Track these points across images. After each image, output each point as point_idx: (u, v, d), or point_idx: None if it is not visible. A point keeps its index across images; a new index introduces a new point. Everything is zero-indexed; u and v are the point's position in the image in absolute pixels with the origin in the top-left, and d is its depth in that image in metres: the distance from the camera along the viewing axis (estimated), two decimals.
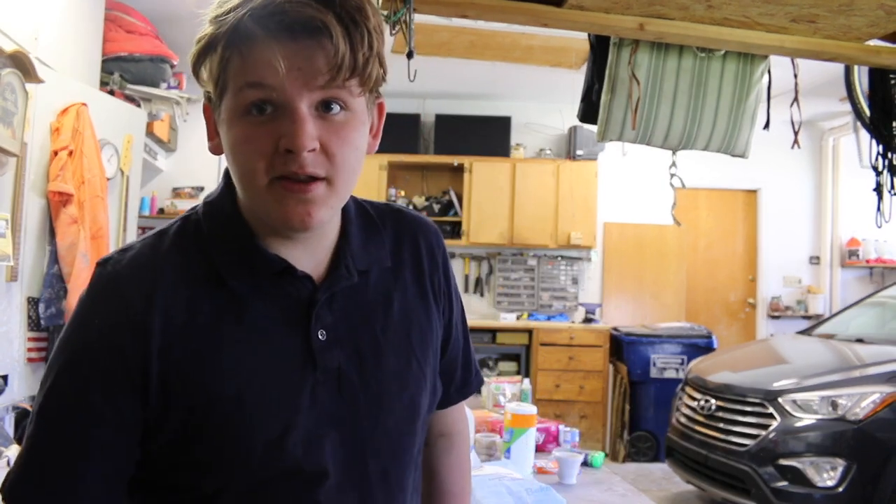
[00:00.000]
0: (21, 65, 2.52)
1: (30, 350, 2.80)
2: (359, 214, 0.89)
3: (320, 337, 0.79)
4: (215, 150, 0.80)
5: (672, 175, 2.91)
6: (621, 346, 5.53)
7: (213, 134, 0.80)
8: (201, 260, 0.79)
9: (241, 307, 0.78)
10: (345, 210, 0.86)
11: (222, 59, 0.73)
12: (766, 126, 2.70)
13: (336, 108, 0.74)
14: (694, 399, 4.11)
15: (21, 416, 2.82)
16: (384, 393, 0.83)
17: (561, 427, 2.55)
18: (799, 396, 3.60)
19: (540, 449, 2.40)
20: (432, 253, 0.92)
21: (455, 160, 6.01)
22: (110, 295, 0.77)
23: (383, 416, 0.82)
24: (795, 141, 2.72)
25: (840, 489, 3.38)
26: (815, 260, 6.57)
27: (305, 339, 0.79)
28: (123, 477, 0.77)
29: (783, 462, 3.51)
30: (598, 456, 2.39)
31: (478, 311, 6.30)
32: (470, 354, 1.01)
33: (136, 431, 0.76)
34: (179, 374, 0.75)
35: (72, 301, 2.80)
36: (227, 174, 0.82)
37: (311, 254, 0.82)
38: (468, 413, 2.10)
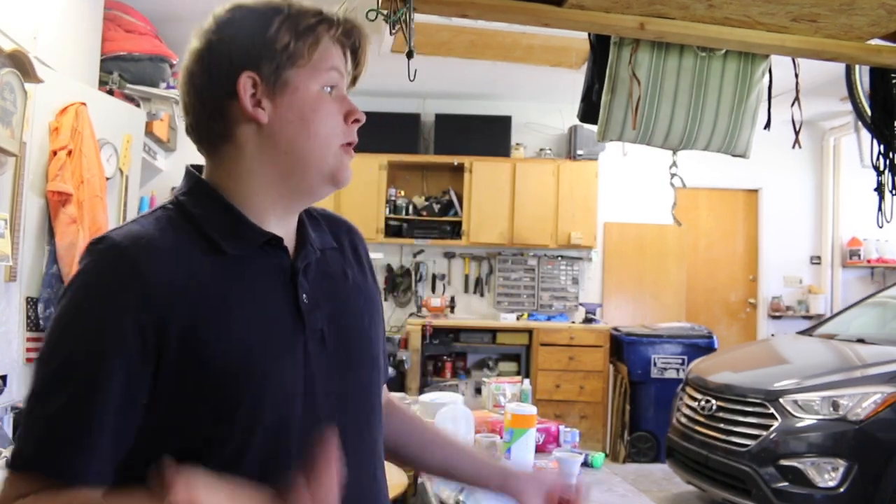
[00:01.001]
0: (20, 64, 2.51)
1: (29, 350, 2.79)
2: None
3: (304, 300, 0.90)
4: (261, 118, 0.89)
5: (672, 175, 2.91)
6: (622, 347, 5.52)
7: (253, 105, 0.89)
8: (194, 235, 0.87)
9: (241, 269, 0.88)
10: None
11: (314, 42, 0.90)
12: (767, 126, 2.69)
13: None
14: (694, 399, 4.11)
15: (20, 416, 2.81)
16: (355, 350, 0.96)
17: (561, 427, 2.55)
18: (800, 397, 3.59)
19: (540, 449, 2.40)
20: (359, 241, 1.08)
21: (455, 160, 6.01)
22: (115, 262, 0.81)
23: (357, 370, 0.96)
24: (796, 141, 2.72)
25: (841, 489, 3.38)
26: (815, 260, 6.57)
27: (294, 301, 0.90)
28: (129, 434, 0.80)
29: (784, 462, 3.50)
30: (598, 456, 2.38)
31: (478, 311, 6.30)
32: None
33: (144, 387, 0.80)
34: (192, 331, 0.81)
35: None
36: (191, 174, 0.96)
37: (284, 232, 0.94)
38: (468, 413, 2.10)
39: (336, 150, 0.92)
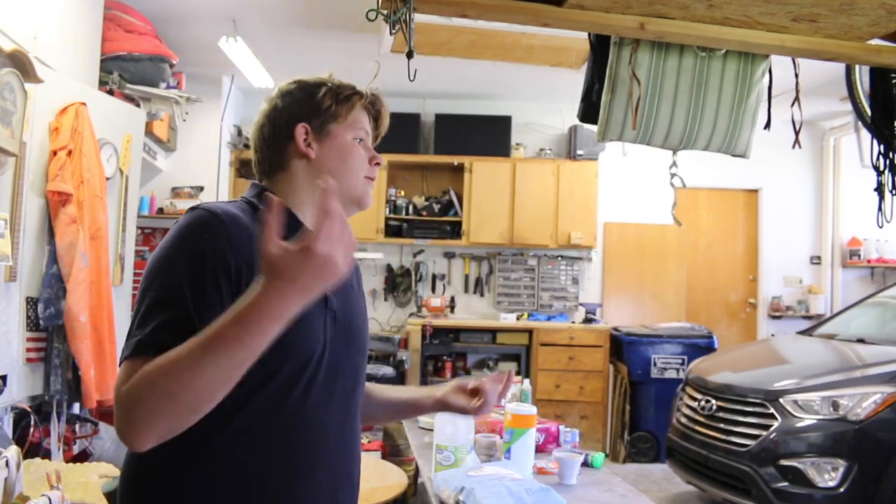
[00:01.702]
0: (20, 64, 2.51)
1: (28, 350, 2.79)
2: None
3: (328, 287, 1.05)
4: (311, 154, 1.25)
5: (672, 175, 2.91)
6: (621, 347, 5.52)
7: (306, 146, 1.25)
8: (254, 224, 1.13)
9: None
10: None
11: (349, 108, 1.28)
12: (767, 126, 2.69)
13: None
14: (694, 399, 4.10)
15: (20, 416, 2.81)
16: (355, 334, 1.26)
17: (561, 427, 2.55)
18: (800, 397, 3.59)
19: (540, 449, 2.40)
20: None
21: (455, 160, 6.01)
22: (212, 219, 1.09)
23: (354, 348, 1.25)
24: (796, 140, 2.71)
25: (841, 489, 3.38)
26: (815, 260, 6.57)
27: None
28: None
29: (784, 462, 3.50)
30: (598, 456, 2.38)
31: (478, 311, 6.30)
32: None
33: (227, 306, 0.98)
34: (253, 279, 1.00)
35: (71, 301, 2.80)
36: (257, 185, 1.28)
37: None
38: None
39: (363, 181, 1.28)
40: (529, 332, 5.82)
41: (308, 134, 1.24)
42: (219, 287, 1.04)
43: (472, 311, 6.30)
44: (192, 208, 1.13)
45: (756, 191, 6.58)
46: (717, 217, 6.63)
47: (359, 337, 1.27)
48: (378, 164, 1.30)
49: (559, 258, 6.26)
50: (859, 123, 3.05)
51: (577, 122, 3.98)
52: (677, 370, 5.35)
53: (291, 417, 1.12)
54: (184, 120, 4.18)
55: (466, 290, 6.32)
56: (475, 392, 1.44)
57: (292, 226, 1.16)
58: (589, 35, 2.59)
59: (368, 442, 4.34)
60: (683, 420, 4.17)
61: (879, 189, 2.81)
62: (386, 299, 6.29)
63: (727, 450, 3.73)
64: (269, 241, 0.90)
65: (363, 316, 1.32)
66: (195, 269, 1.05)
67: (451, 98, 6.19)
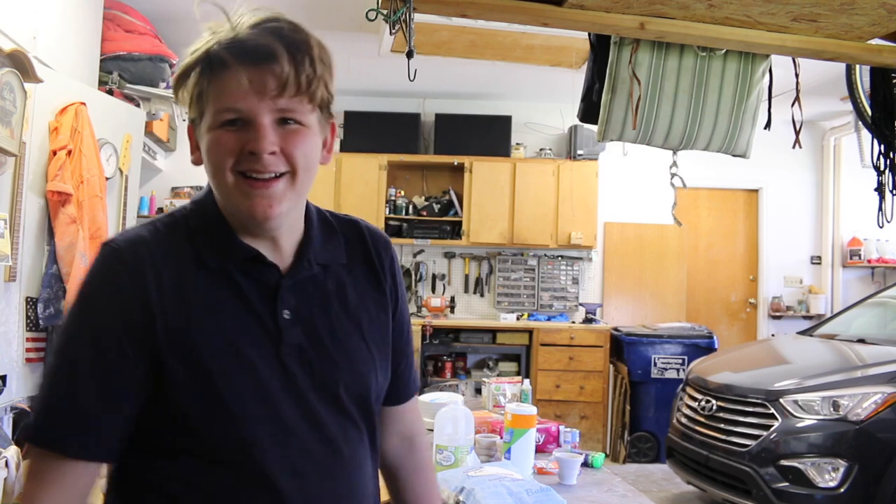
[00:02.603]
0: (20, 64, 2.51)
1: (28, 350, 2.79)
2: (320, 220, 1.05)
3: (285, 316, 0.94)
4: (197, 161, 0.96)
5: (673, 175, 2.90)
6: (622, 347, 5.52)
7: (194, 149, 0.96)
8: (188, 247, 0.94)
9: (221, 283, 0.93)
10: (308, 217, 1.02)
11: (198, 84, 0.91)
12: (767, 126, 2.69)
13: (292, 122, 0.92)
14: (695, 399, 4.10)
15: (20, 416, 2.81)
16: (335, 367, 0.97)
17: (561, 427, 2.55)
18: (800, 397, 3.59)
19: (540, 449, 2.40)
20: (381, 257, 1.08)
21: (455, 160, 6.01)
22: (118, 267, 0.91)
23: (334, 387, 0.96)
24: (797, 140, 2.71)
25: (841, 490, 3.37)
26: (816, 260, 6.56)
27: (273, 316, 0.94)
28: (124, 418, 0.90)
29: (784, 462, 3.50)
30: (598, 456, 2.38)
31: (478, 311, 6.30)
32: (412, 359, 1.17)
33: (139, 375, 0.89)
34: (174, 333, 0.89)
35: (71, 301, 2.80)
36: (209, 186, 0.99)
37: (278, 250, 0.98)
38: (468, 413, 2.10)
39: (230, 184, 0.91)
40: (529, 332, 5.82)
41: (192, 139, 0.98)
42: (121, 359, 0.88)
43: (472, 311, 6.30)
44: (103, 244, 0.95)
45: (756, 191, 6.57)
46: (717, 217, 6.63)
47: (351, 368, 0.99)
48: (252, 152, 0.89)
49: (559, 258, 6.26)
50: (860, 123, 3.05)
51: (577, 122, 3.98)
52: (677, 370, 5.34)
53: None
54: (184, 120, 4.18)
55: (466, 290, 6.32)
56: None
57: (223, 242, 0.95)
58: (589, 35, 2.59)
59: None
60: (683, 420, 4.17)
61: (880, 189, 2.81)
62: None
63: (727, 450, 3.73)
64: None
65: (361, 332, 1.01)
66: (91, 343, 0.89)
67: (451, 98, 6.19)
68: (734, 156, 2.66)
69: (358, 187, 5.80)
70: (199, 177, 5.65)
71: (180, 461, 0.90)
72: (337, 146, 4.68)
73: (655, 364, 5.40)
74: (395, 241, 6.06)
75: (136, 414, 0.90)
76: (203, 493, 0.89)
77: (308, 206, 1.03)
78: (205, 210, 0.98)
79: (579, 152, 6.03)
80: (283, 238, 0.98)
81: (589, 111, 2.66)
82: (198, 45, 0.92)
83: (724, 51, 2.50)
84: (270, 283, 0.95)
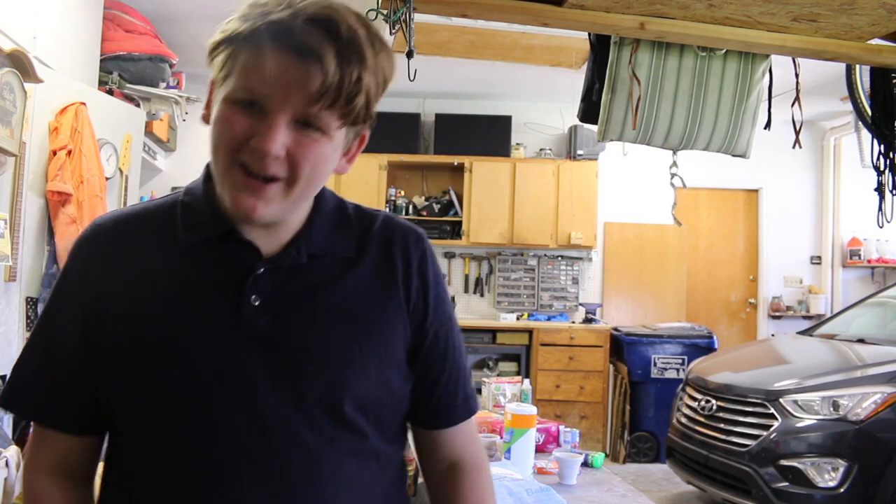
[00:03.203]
0: (20, 64, 2.51)
1: None
2: (334, 210, 0.96)
3: (253, 302, 0.87)
4: (205, 119, 0.89)
5: (673, 175, 2.91)
6: (622, 347, 5.52)
7: (209, 104, 0.88)
8: (168, 223, 0.91)
9: (188, 260, 0.89)
10: (319, 203, 0.94)
11: (233, 54, 0.83)
12: (767, 126, 2.69)
13: (312, 128, 0.82)
14: (694, 399, 4.10)
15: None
16: (306, 364, 0.86)
17: (561, 427, 2.55)
18: (800, 397, 3.59)
19: (540, 449, 2.40)
20: (406, 254, 0.96)
21: (455, 160, 6.01)
22: (79, 251, 0.93)
23: (301, 386, 0.86)
24: (797, 140, 2.72)
25: (841, 490, 3.37)
26: (816, 260, 6.56)
27: (236, 301, 0.86)
28: (79, 386, 0.90)
29: (784, 462, 3.50)
30: (598, 456, 2.38)
31: (478, 311, 6.29)
32: (458, 377, 1.00)
33: (84, 354, 0.89)
34: (118, 317, 0.87)
35: None
36: (207, 165, 0.93)
37: (272, 236, 0.90)
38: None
39: (223, 168, 0.84)
40: (529, 332, 5.81)
41: (210, 95, 0.90)
42: (72, 333, 0.89)
43: (472, 311, 6.30)
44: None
45: (756, 191, 6.57)
46: (717, 217, 6.63)
47: (331, 373, 0.87)
48: (254, 147, 0.81)
49: (559, 258, 6.26)
50: (860, 123, 3.05)
51: (577, 122, 3.98)
52: (677, 370, 5.34)
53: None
54: (183, 120, 4.18)
55: (466, 290, 6.32)
56: None
57: (203, 219, 0.90)
58: (589, 35, 2.59)
59: None
60: (683, 420, 4.17)
61: (880, 189, 2.81)
62: None
63: (727, 450, 3.73)
64: None
65: (352, 331, 0.90)
66: (48, 316, 0.93)
67: (451, 98, 6.19)
68: (734, 156, 2.66)
69: (358, 187, 5.80)
70: None
71: (130, 441, 0.89)
72: None
73: (655, 364, 5.40)
74: None
75: (91, 391, 0.90)
76: (147, 474, 0.87)
77: (323, 193, 0.94)
78: (196, 189, 0.93)
79: (579, 152, 6.03)
80: (280, 226, 0.90)
81: (589, 111, 2.66)
82: (253, 11, 0.82)
83: (724, 51, 2.50)
84: (244, 265, 0.88)
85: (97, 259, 0.90)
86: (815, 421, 3.51)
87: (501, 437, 2.31)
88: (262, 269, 0.88)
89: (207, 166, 0.93)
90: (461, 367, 1.01)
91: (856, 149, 5.42)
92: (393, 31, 2.03)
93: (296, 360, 0.86)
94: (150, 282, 0.88)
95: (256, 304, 0.86)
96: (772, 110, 2.66)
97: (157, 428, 0.86)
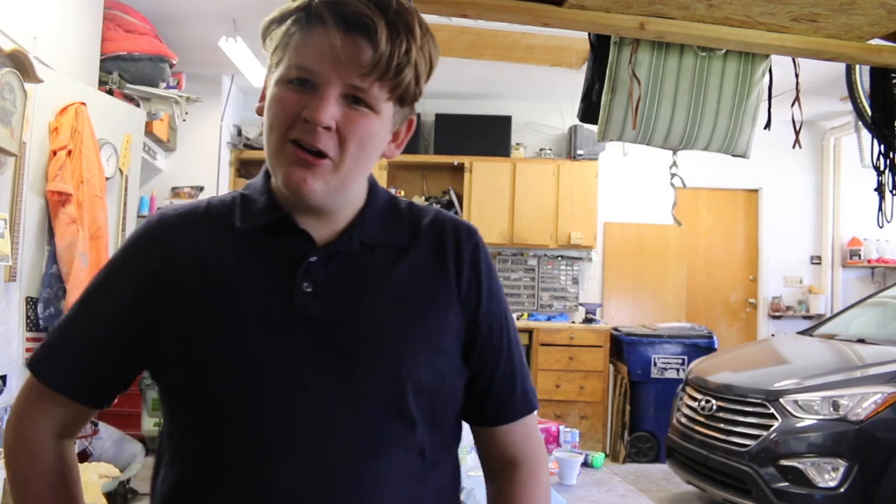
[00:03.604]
0: (20, 64, 2.51)
1: (28, 350, 2.79)
2: (386, 204, 0.98)
3: (305, 288, 0.88)
4: (259, 111, 0.91)
5: (673, 175, 2.90)
6: (622, 347, 5.52)
7: (263, 96, 0.90)
8: (227, 214, 0.94)
9: (242, 244, 0.91)
10: (371, 196, 0.96)
11: (287, 33, 0.86)
12: (767, 126, 2.69)
13: (361, 104, 0.85)
14: (694, 399, 4.10)
15: None
16: (356, 351, 0.87)
17: (561, 427, 2.55)
18: (800, 397, 3.59)
19: None
20: (458, 247, 0.96)
21: (455, 160, 6.01)
22: (141, 236, 0.95)
23: (351, 374, 0.86)
24: (796, 140, 2.71)
25: (841, 490, 3.37)
26: (816, 260, 6.56)
27: (288, 287, 0.88)
28: (107, 365, 0.94)
29: (784, 462, 3.50)
30: (598, 456, 2.39)
31: None
32: (514, 372, 0.99)
33: (132, 334, 0.91)
34: (176, 301, 0.89)
35: (70, 301, 2.80)
36: (266, 170, 0.95)
37: (326, 224, 0.92)
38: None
39: (276, 146, 0.86)
40: (529, 332, 5.81)
41: (266, 85, 0.93)
42: (125, 311, 0.92)
43: None
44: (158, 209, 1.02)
45: (756, 191, 6.57)
46: (717, 217, 6.63)
47: (376, 358, 0.88)
48: (307, 119, 0.83)
49: (559, 258, 6.26)
50: (859, 123, 3.05)
51: (577, 122, 3.98)
52: (677, 370, 5.34)
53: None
54: (184, 120, 4.18)
55: None
56: None
57: (258, 208, 0.93)
58: (589, 35, 2.59)
59: None
60: (683, 420, 4.17)
61: (879, 189, 2.81)
62: None
63: (727, 450, 3.73)
64: None
65: (399, 320, 0.90)
66: (100, 288, 0.95)
67: (451, 98, 6.19)
68: (734, 156, 2.66)
69: None
70: (200, 177, 5.65)
71: (181, 416, 0.91)
72: None
73: (655, 364, 5.40)
74: None
75: (129, 369, 0.94)
76: (194, 448, 0.89)
77: (376, 188, 0.97)
78: (256, 183, 0.96)
79: (579, 152, 6.03)
80: (335, 215, 0.92)
81: (589, 111, 2.66)
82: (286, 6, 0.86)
83: (723, 51, 2.50)
84: (297, 252, 0.90)
85: (157, 243, 0.93)
86: (815, 421, 3.52)
87: None
88: (314, 257, 0.89)
89: (266, 170, 0.96)
90: (518, 361, 1.00)
91: (856, 149, 5.42)
92: None
93: (344, 343, 0.87)
94: (206, 267, 0.90)
95: (308, 290, 0.88)
96: (772, 110, 2.66)
97: (207, 405, 0.88)
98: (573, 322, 6.03)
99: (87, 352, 0.93)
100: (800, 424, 3.53)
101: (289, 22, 0.86)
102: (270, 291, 0.88)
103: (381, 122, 0.88)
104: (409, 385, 0.88)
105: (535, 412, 1.03)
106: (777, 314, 6.44)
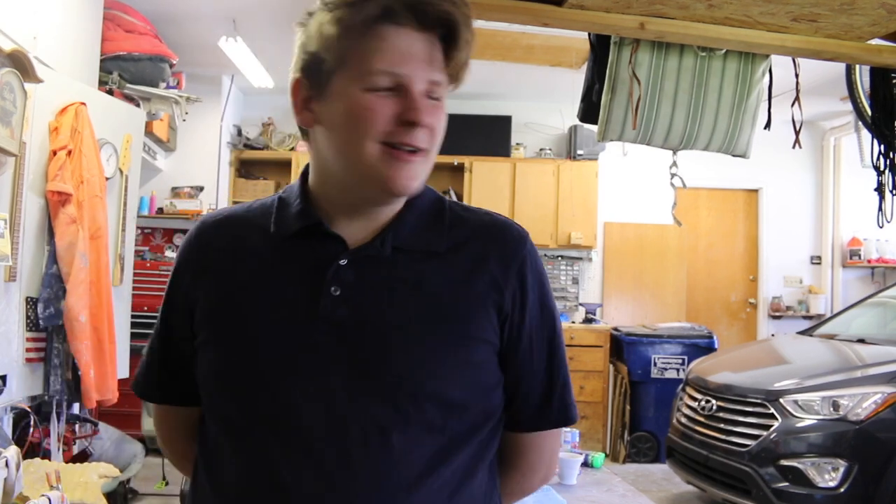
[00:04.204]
0: (20, 64, 2.51)
1: (28, 350, 2.79)
2: (430, 206, 0.96)
3: (333, 292, 0.88)
4: (307, 122, 0.90)
5: (673, 175, 2.90)
6: (622, 347, 5.52)
7: (301, 108, 0.90)
8: (264, 219, 0.95)
9: (275, 251, 0.92)
10: (415, 198, 0.94)
11: (355, 28, 0.83)
12: (767, 126, 2.69)
13: (435, 97, 0.89)
14: (695, 399, 4.10)
15: (19, 416, 2.81)
16: (379, 352, 0.86)
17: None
18: (800, 397, 3.59)
19: None
20: (507, 261, 0.94)
21: (455, 160, 6.00)
22: (185, 247, 0.99)
23: (371, 374, 0.85)
24: (796, 140, 2.72)
25: (841, 490, 3.37)
26: (816, 260, 6.56)
27: (316, 290, 0.88)
28: (185, 368, 0.96)
29: (784, 462, 3.50)
30: (598, 456, 2.39)
31: None
32: (553, 384, 0.99)
33: (186, 338, 0.95)
34: (211, 291, 0.93)
35: (70, 301, 2.80)
36: (303, 174, 0.96)
37: (362, 226, 0.92)
38: None
39: (372, 153, 0.84)
40: None
41: (308, 91, 0.89)
42: (179, 319, 0.97)
43: None
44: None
45: (756, 191, 6.57)
46: (717, 217, 6.63)
47: (398, 366, 0.86)
48: (412, 122, 0.84)
49: (559, 258, 6.26)
50: (859, 123, 3.05)
51: (577, 122, 3.98)
52: (677, 370, 5.34)
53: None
54: (184, 120, 4.18)
55: None
56: None
57: (292, 212, 0.92)
58: (589, 35, 2.59)
59: None
60: (683, 420, 4.16)
61: (879, 189, 2.81)
62: None
63: (727, 450, 3.73)
64: None
65: (429, 330, 0.87)
66: (164, 303, 1.01)
67: (451, 98, 6.02)
68: (734, 156, 2.66)
69: None
70: (200, 177, 5.65)
71: (209, 416, 0.94)
72: None
73: (655, 364, 5.40)
74: None
75: (188, 371, 0.96)
76: (220, 448, 0.91)
77: (423, 189, 0.94)
78: (292, 189, 0.96)
79: (579, 152, 6.03)
80: (373, 218, 0.91)
81: (589, 111, 2.66)
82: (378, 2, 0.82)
83: (723, 51, 2.50)
84: (328, 256, 0.89)
85: (196, 250, 0.97)
86: (815, 421, 3.51)
87: None
88: (344, 261, 0.89)
89: (306, 168, 0.96)
90: (558, 378, 1.00)
91: (856, 149, 5.41)
92: None
93: (370, 348, 0.86)
94: (240, 270, 0.93)
95: (336, 293, 0.88)
96: (772, 110, 2.66)
97: (235, 405, 0.90)
98: (573, 322, 6.03)
99: (170, 363, 1.00)
100: (800, 424, 3.53)
101: (360, 23, 0.83)
102: (299, 295, 0.89)
103: (444, 107, 0.93)
104: (433, 397, 0.86)
105: (568, 426, 1.03)
106: (777, 314, 6.44)
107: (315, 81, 0.88)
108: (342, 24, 0.84)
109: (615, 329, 5.72)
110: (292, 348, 0.86)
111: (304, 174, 0.96)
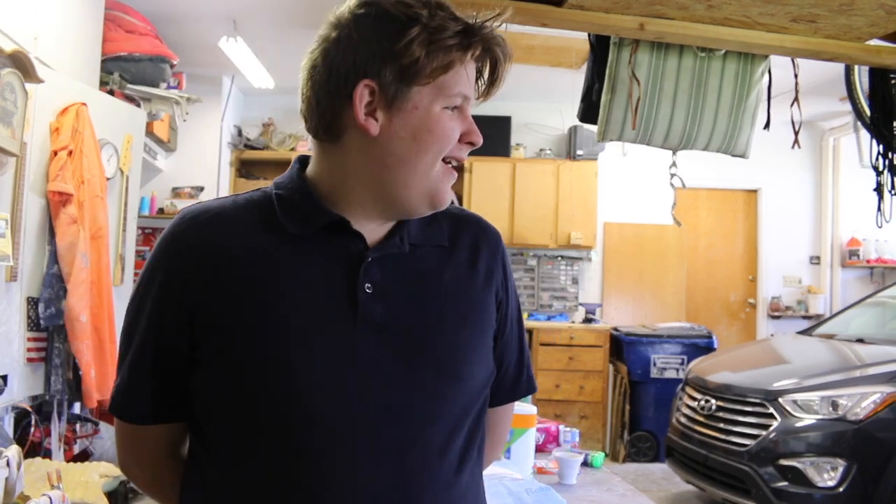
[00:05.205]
0: (21, 64, 2.51)
1: (29, 350, 2.79)
2: None
3: (367, 290, 0.88)
4: (372, 130, 0.87)
5: (672, 175, 2.91)
6: (621, 346, 5.52)
7: (366, 115, 0.87)
8: (266, 215, 0.90)
9: (297, 248, 0.88)
10: None
11: (450, 63, 0.86)
12: (767, 126, 2.70)
13: None
14: (694, 399, 4.11)
15: (21, 416, 2.82)
16: (418, 351, 0.88)
17: (561, 427, 2.55)
18: (799, 396, 3.60)
19: (540, 449, 2.40)
20: (493, 249, 1.01)
21: None
22: (176, 236, 0.90)
23: (417, 371, 0.87)
24: (796, 141, 2.72)
25: (840, 489, 3.38)
26: (815, 260, 6.57)
27: (352, 288, 0.87)
28: (176, 382, 0.90)
29: (783, 462, 3.50)
30: (598, 456, 2.39)
31: None
32: (523, 357, 1.07)
33: (183, 346, 0.88)
34: (230, 296, 0.86)
35: (71, 301, 2.80)
36: (293, 164, 0.95)
37: (377, 226, 0.93)
38: None
39: (437, 168, 0.89)
40: (529, 332, 5.81)
41: (374, 97, 0.86)
42: (172, 328, 0.88)
43: None
44: (181, 211, 0.94)
45: (756, 191, 6.58)
46: (716, 217, 6.63)
47: (438, 353, 0.90)
48: (472, 142, 0.91)
49: (559, 258, 6.26)
50: (859, 123, 3.05)
51: (577, 122, 3.99)
52: (677, 370, 5.35)
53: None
54: (184, 120, 4.19)
55: None
56: None
57: (306, 211, 0.90)
58: (589, 35, 2.59)
59: None
60: (683, 420, 4.17)
61: (879, 189, 2.82)
62: None
63: (727, 449, 3.73)
64: None
65: (455, 318, 0.93)
66: (143, 312, 0.90)
67: None
68: (734, 156, 2.67)
69: None
70: (200, 177, 5.65)
71: (213, 442, 0.90)
72: None
73: (655, 364, 5.41)
74: None
75: (182, 383, 0.90)
76: (252, 458, 0.86)
77: None
78: (292, 183, 0.93)
79: (579, 152, 6.03)
80: (384, 225, 0.94)
81: (589, 111, 2.67)
82: (469, 21, 0.87)
83: (723, 51, 2.51)
84: (353, 254, 0.89)
85: (187, 248, 0.89)
86: (814, 421, 3.52)
87: None
88: (371, 258, 0.89)
89: (298, 160, 0.96)
90: (525, 351, 1.08)
91: (855, 149, 5.42)
92: None
93: (411, 345, 0.88)
94: (258, 271, 0.87)
95: (369, 291, 0.88)
96: (771, 110, 2.67)
97: (266, 431, 0.85)
98: (573, 322, 6.04)
99: (150, 381, 0.91)
100: (799, 424, 3.54)
101: (456, 49, 0.86)
102: (333, 293, 0.87)
103: None
104: (475, 385, 0.93)
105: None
106: (776, 314, 6.45)
107: (388, 91, 0.86)
108: (436, 44, 0.85)
109: (615, 329, 5.73)
110: (335, 347, 0.85)
111: (300, 171, 0.94)
